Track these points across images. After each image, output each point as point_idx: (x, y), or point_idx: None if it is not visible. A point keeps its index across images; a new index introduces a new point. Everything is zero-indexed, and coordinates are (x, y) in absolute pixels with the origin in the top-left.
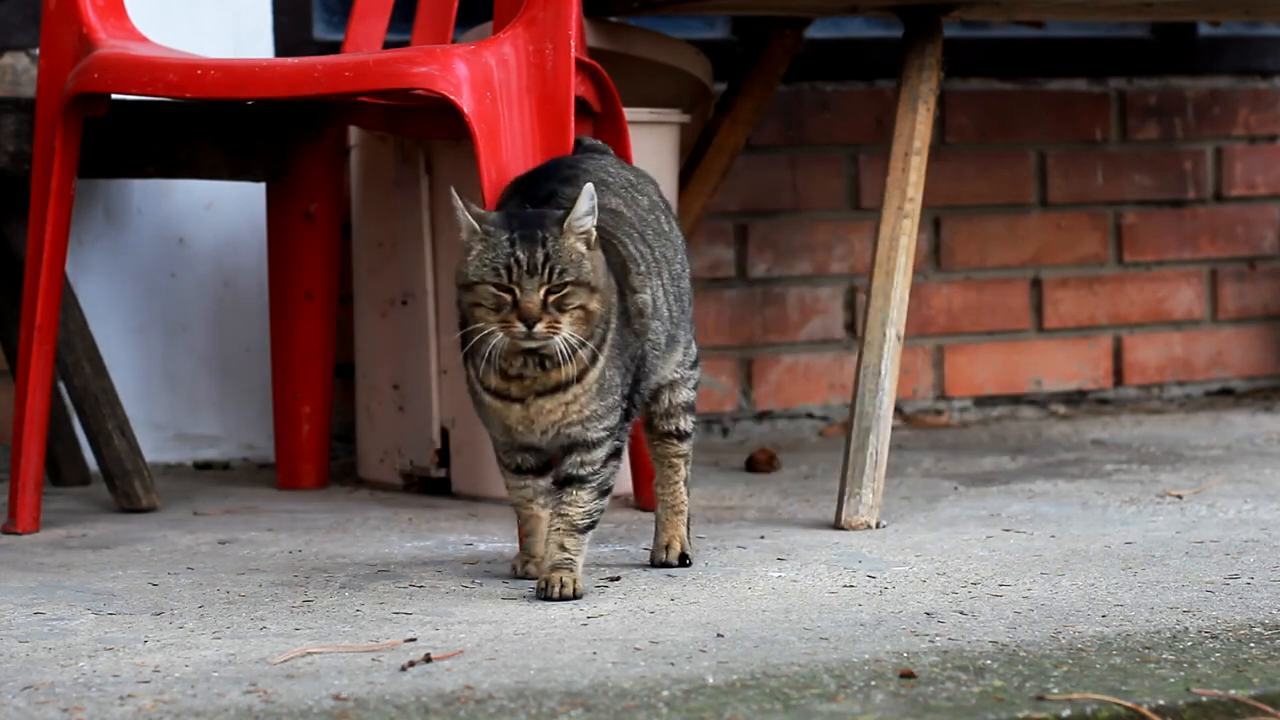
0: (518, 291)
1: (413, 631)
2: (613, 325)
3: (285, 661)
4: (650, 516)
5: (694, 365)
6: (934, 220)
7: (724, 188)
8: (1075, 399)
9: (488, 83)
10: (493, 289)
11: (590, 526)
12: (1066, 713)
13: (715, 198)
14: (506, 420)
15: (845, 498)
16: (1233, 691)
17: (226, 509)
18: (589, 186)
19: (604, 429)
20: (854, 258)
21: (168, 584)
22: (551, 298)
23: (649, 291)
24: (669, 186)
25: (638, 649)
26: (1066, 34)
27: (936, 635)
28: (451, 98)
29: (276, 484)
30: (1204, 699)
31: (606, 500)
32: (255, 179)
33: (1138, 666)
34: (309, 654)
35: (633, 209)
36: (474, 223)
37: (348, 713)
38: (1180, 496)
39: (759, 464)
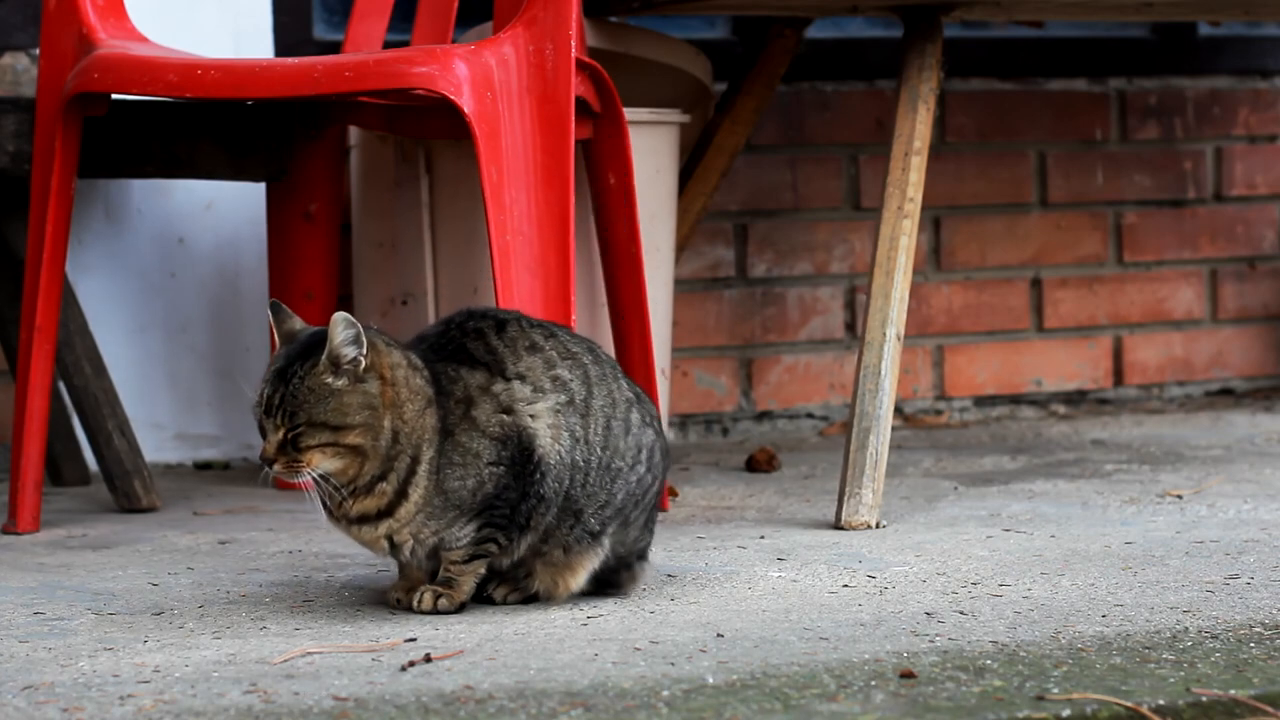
0: (264, 431)
1: (413, 631)
2: (426, 455)
3: (285, 661)
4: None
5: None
6: (934, 220)
7: (724, 188)
8: (1075, 399)
9: (488, 83)
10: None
11: (474, 559)
12: (1066, 713)
13: (715, 198)
14: (343, 535)
15: (845, 498)
16: (1233, 691)
17: (226, 509)
18: (340, 315)
19: (463, 534)
20: (854, 258)
21: (168, 584)
22: (291, 436)
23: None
24: (669, 186)
25: (638, 649)
26: (1066, 34)
27: (936, 635)
28: (451, 98)
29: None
30: (1204, 699)
31: (483, 562)
32: (255, 179)
33: (1138, 666)
34: (309, 654)
35: (566, 355)
36: (276, 342)
37: (348, 713)
38: (1180, 496)
39: (759, 464)
